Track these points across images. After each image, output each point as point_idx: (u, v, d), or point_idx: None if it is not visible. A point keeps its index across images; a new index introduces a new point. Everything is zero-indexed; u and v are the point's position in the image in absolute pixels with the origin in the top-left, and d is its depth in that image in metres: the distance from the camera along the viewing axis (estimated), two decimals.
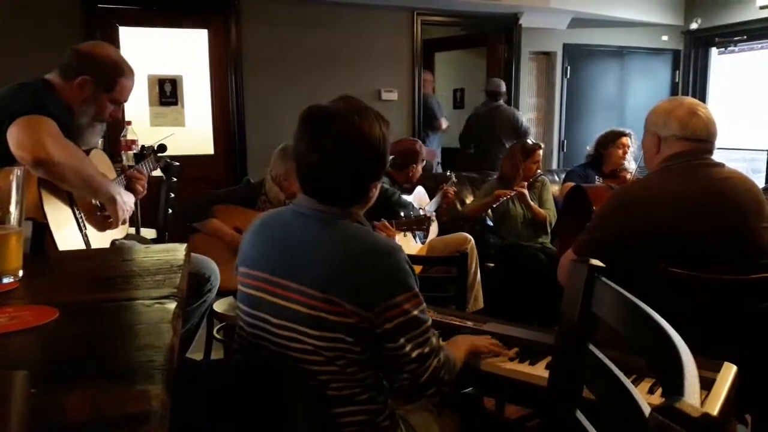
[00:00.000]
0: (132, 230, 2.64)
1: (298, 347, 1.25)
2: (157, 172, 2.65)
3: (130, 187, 2.13)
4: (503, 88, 5.39)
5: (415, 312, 1.24)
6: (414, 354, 1.24)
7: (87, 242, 1.85)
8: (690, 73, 6.42)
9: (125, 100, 2.04)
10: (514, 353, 1.55)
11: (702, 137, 1.80)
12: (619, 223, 1.77)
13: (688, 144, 1.80)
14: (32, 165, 1.61)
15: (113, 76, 1.96)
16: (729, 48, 6.21)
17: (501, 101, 5.35)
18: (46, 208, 1.69)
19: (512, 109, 5.43)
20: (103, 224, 1.96)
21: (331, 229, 1.28)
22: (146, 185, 2.21)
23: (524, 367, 1.48)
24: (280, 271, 1.28)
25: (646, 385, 1.38)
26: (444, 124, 5.67)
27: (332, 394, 1.25)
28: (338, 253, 1.24)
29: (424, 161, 3.49)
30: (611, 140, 3.59)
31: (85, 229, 1.87)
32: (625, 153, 3.54)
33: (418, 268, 2.92)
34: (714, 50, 6.39)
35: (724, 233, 1.72)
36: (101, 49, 2.00)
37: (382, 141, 1.29)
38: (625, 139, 3.56)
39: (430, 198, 3.65)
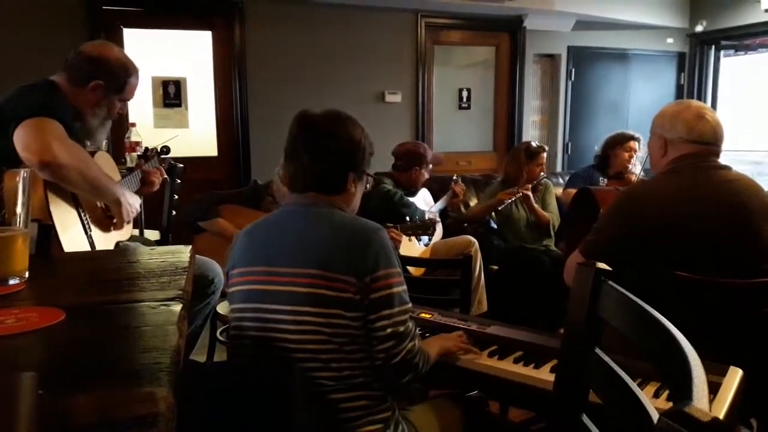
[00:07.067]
0: (135, 232, 2.64)
1: (298, 329, 1.31)
2: None
3: (146, 181, 2.23)
4: None
5: (398, 289, 1.33)
6: (389, 330, 1.30)
7: (92, 244, 1.85)
8: (695, 75, 6.40)
9: (132, 98, 2.10)
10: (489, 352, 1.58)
11: (709, 140, 1.81)
12: (626, 224, 1.76)
13: (695, 146, 1.81)
14: (39, 167, 1.62)
15: (123, 78, 2.00)
16: (734, 50, 6.19)
17: None
18: (52, 210, 1.70)
19: None
20: (107, 225, 1.97)
21: (320, 218, 1.38)
22: (161, 178, 2.30)
23: (529, 371, 1.48)
24: (276, 261, 1.36)
25: (651, 388, 1.38)
26: None
27: (332, 375, 1.31)
28: (329, 235, 1.34)
29: (430, 166, 3.47)
30: (619, 143, 3.58)
31: (90, 231, 1.87)
32: (630, 157, 3.52)
33: (421, 271, 2.95)
34: (719, 53, 6.37)
35: (731, 236, 1.71)
36: (109, 51, 2.01)
37: (362, 140, 1.47)
38: (632, 143, 3.55)
39: (435, 201, 3.64)
